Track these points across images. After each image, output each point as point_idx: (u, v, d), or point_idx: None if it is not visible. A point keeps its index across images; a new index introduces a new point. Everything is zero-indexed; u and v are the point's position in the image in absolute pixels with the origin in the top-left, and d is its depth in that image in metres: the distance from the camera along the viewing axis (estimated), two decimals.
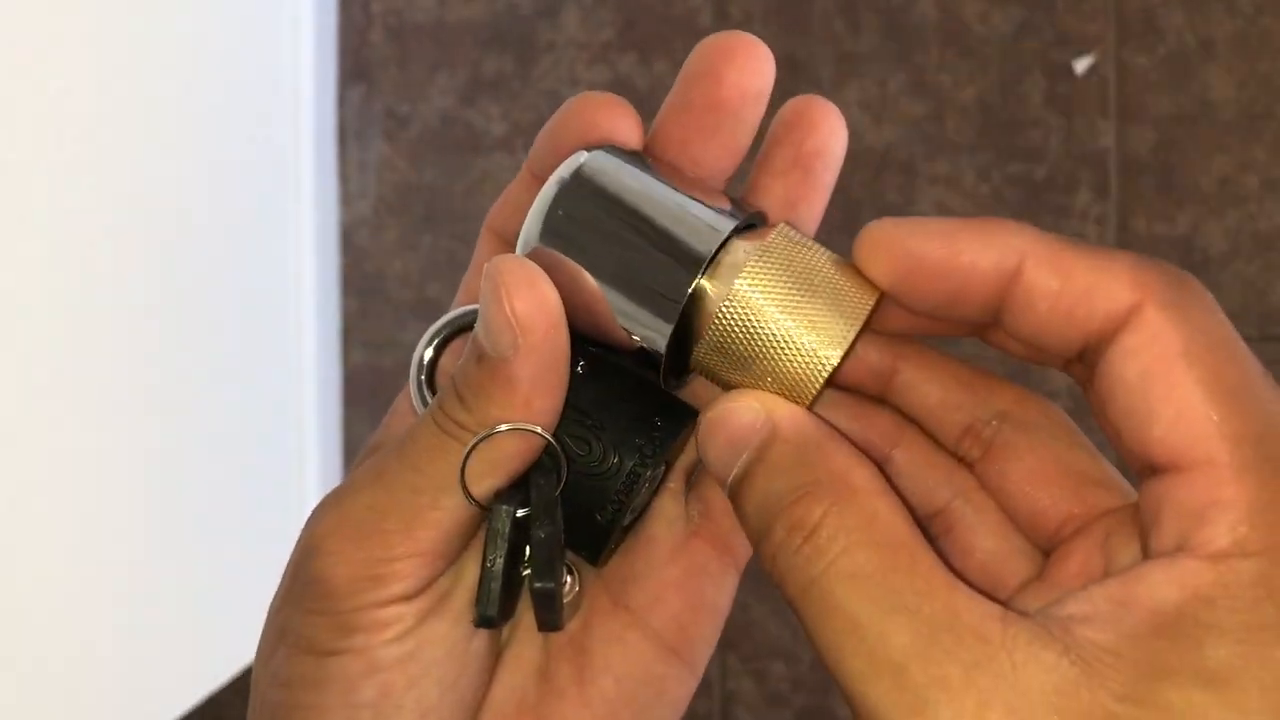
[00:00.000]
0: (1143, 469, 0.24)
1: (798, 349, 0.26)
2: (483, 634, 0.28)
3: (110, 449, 0.73)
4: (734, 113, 0.28)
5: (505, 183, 0.31)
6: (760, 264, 0.26)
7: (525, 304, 0.25)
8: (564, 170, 0.28)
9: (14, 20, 0.64)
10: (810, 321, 0.26)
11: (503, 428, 0.26)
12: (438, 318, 0.31)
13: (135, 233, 0.75)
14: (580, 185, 0.27)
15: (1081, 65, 0.94)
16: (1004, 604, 0.23)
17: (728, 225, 0.27)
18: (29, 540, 0.66)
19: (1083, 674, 0.22)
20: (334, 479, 0.99)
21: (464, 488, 0.27)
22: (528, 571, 0.28)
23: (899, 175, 0.95)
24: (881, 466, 0.27)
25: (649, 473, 0.28)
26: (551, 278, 0.26)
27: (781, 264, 0.26)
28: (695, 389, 0.30)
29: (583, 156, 0.28)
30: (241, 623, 0.94)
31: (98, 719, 0.72)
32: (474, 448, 0.26)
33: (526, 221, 0.28)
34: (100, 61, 0.71)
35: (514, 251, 0.29)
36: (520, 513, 0.27)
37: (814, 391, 0.26)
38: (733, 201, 0.28)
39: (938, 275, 0.25)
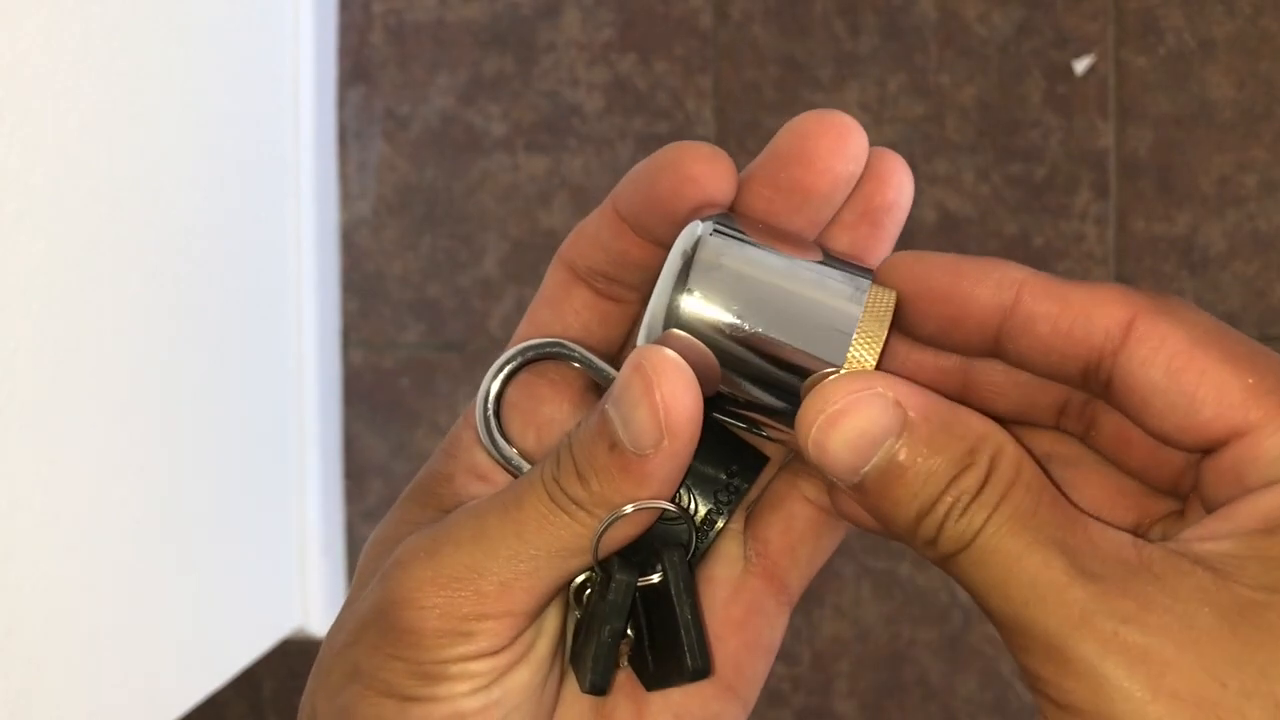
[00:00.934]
0: (1198, 451, 0.26)
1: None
2: (554, 676, 0.29)
3: (110, 449, 0.73)
4: (824, 196, 0.28)
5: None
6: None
7: (677, 407, 0.26)
8: (686, 244, 0.27)
9: (13, 20, 0.64)
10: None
11: (628, 509, 0.27)
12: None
13: (135, 233, 0.75)
14: (709, 264, 0.27)
15: (1081, 65, 0.94)
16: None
17: (857, 309, 0.27)
18: (29, 540, 0.66)
19: (1217, 576, 0.24)
20: (334, 479, 0.99)
21: (596, 562, 0.28)
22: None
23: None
24: None
25: (722, 520, 0.29)
26: (685, 358, 0.26)
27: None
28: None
29: (700, 229, 0.27)
30: (241, 623, 0.94)
31: (98, 719, 0.73)
32: (605, 530, 0.27)
33: (655, 301, 0.27)
34: (100, 61, 0.71)
35: (560, 276, 0.29)
36: (640, 582, 0.28)
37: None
38: (839, 260, 0.28)
39: (941, 301, 0.27)
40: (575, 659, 0.29)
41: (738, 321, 0.27)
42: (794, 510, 0.31)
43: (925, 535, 0.25)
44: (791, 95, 0.96)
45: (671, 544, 0.29)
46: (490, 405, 0.30)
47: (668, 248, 0.29)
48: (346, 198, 1.01)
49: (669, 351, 0.26)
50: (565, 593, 0.29)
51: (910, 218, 0.30)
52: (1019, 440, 0.26)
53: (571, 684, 0.30)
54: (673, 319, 0.27)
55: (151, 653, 0.78)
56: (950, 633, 0.95)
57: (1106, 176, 0.94)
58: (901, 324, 0.28)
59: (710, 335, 0.27)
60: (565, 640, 0.30)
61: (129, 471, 0.75)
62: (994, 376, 0.29)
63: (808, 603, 0.97)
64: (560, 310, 0.30)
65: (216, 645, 0.86)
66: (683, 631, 0.28)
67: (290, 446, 0.96)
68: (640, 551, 0.28)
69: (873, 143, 0.29)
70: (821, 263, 0.27)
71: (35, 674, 0.67)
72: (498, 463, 0.30)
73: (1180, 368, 0.25)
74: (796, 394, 0.27)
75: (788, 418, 0.27)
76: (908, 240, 0.29)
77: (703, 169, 0.28)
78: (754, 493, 0.31)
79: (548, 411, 0.30)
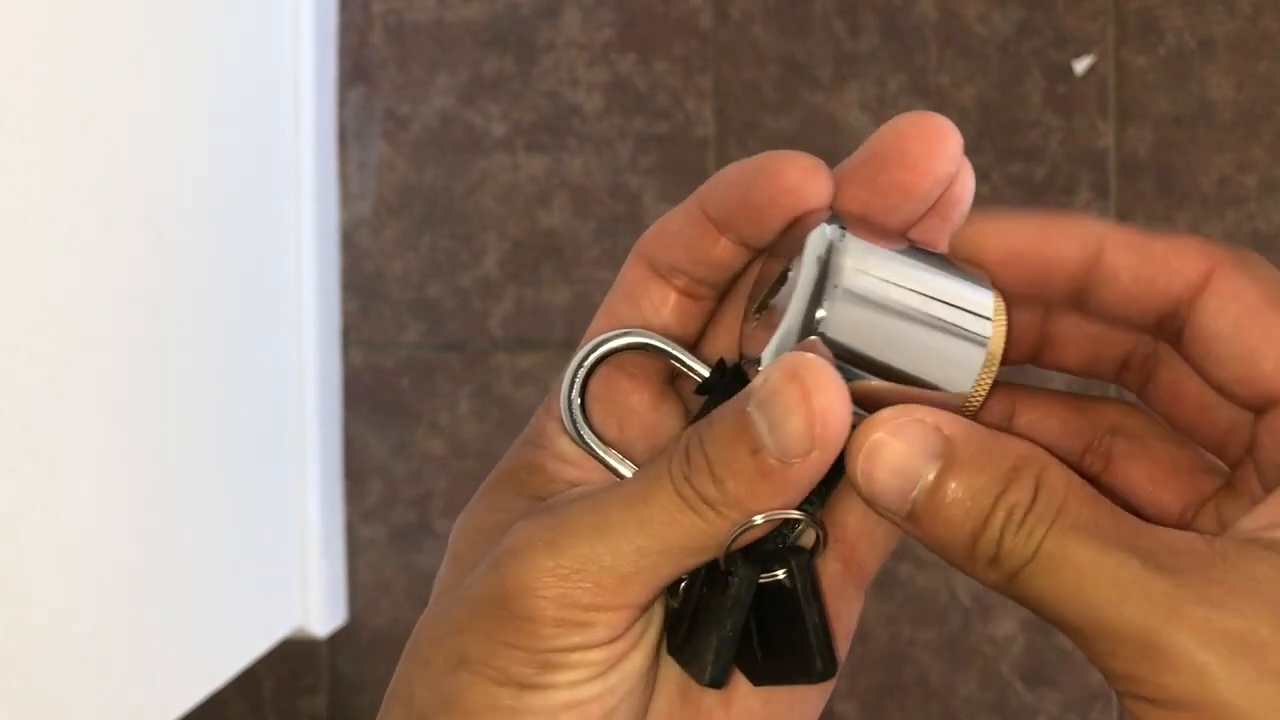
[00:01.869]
0: (1256, 405, 0.27)
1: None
2: (652, 659, 0.29)
3: (110, 449, 0.73)
4: (923, 195, 0.28)
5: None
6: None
7: (832, 420, 0.26)
8: (820, 250, 0.27)
9: (12, 21, 0.64)
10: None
11: (758, 519, 0.27)
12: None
13: (135, 232, 0.75)
14: (849, 273, 0.27)
15: (1081, 65, 0.94)
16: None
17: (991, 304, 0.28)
18: (29, 540, 0.66)
19: None
20: (334, 479, 0.99)
21: (724, 564, 0.28)
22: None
23: None
24: None
25: (809, 516, 0.29)
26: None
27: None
28: None
29: (830, 233, 0.28)
30: (241, 623, 0.94)
31: (98, 719, 0.73)
32: (738, 536, 0.27)
33: (795, 308, 0.27)
34: (100, 62, 0.71)
35: (657, 279, 0.30)
36: (763, 579, 0.28)
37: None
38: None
39: (1028, 262, 0.28)
40: (684, 650, 0.29)
41: (874, 336, 0.27)
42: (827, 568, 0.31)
43: (985, 554, 0.26)
44: (791, 95, 0.96)
45: (794, 547, 0.29)
46: (576, 396, 0.30)
47: (757, 252, 0.29)
48: (346, 198, 1.01)
49: (822, 361, 0.26)
50: None
51: None
52: (1064, 460, 0.27)
53: (663, 669, 0.30)
54: (813, 328, 0.27)
55: (151, 653, 0.78)
56: (950, 633, 0.95)
57: (1106, 176, 0.94)
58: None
59: (846, 346, 0.27)
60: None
61: (129, 471, 0.75)
62: (1066, 329, 0.30)
63: None
64: (638, 305, 0.30)
65: (216, 645, 0.86)
66: (811, 635, 0.28)
67: (290, 446, 0.96)
68: (758, 546, 0.28)
69: None
70: (947, 273, 0.28)
71: (35, 674, 0.67)
72: (587, 452, 0.30)
73: (1248, 321, 0.27)
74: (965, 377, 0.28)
75: None
76: None
77: (803, 178, 0.28)
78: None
79: (629, 403, 0.30)
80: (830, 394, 0.26)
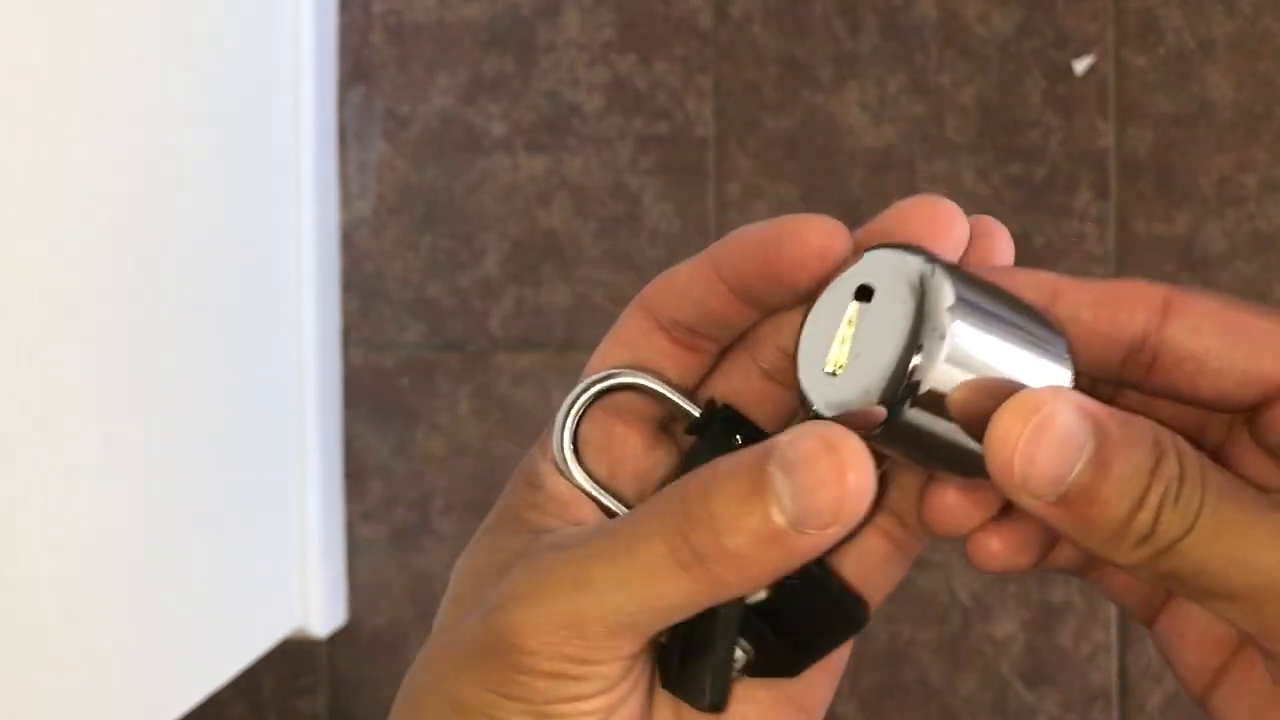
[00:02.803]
0: (1254, 403, 0.28)
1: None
2: (648, 696, 0.29)
3: (109, 449, 0.73)
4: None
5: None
6: None
7: (859, 498, 0.25)
8: (914, 291, 0.26)
9: (11, 21, 0.64)
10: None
11: (762, 594, 0.27)
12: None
13: (134, 232, 0.75)
14: (947, 324, 0.26)
15: (1081, 65, 0.94)
16: None
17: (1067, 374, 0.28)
18: (28, 540, 0.66)
19: None
20: (334, 479, 0.99)
21: (720, 608, 0.27)
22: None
23: (899, 175, 0.95)
24: None
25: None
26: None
27: None
28: None
29: (924, 270, 0.26)
30: (241, 623, 0.94)
31: (98, 719, 0.73)
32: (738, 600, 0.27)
33: (875, 380, 0.26)
34: (100, 62, 0.71)
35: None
36: (751, 600, 0.28)
37: None
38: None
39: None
40: (678, 682, 0.29)
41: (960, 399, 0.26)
42: (869, 543, 0.31)
43: (1140, 531, 0.25)
44: (791, 95, 0.96)
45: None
46: (569, 436, 0.30)
47: (771, 311, 0.29)
48: (346, 198, 1.01)
49: (855, 437, 0.25)
50: None
51: None
52: None
53: (658, 697, 0.30)
54: (916, 389, 0.26)
55: (151, 653, 0.78)
56: (950, 633, 0.95)
57: (1106, 176, 0.94)
58: None
59: (934, 411, 0.26)
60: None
61: (128, 471, 0.75)
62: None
63: None
64: (635, 353, 0.30)
65: (216, 645, 0.86)
66: (715, 668, 0.28)
67: (290, 446, 0.96)
68: None
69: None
70: (1030, 336, 0.27)
71: (35, 674, 0.67)
72: (582, 492, 0.30)
73: (1230, 327, 0.27)
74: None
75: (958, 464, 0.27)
76: None
77: (827, 241, 0.28)
78: None
79: (623, 448, 0.30)
80: (865, 472, 0.25)
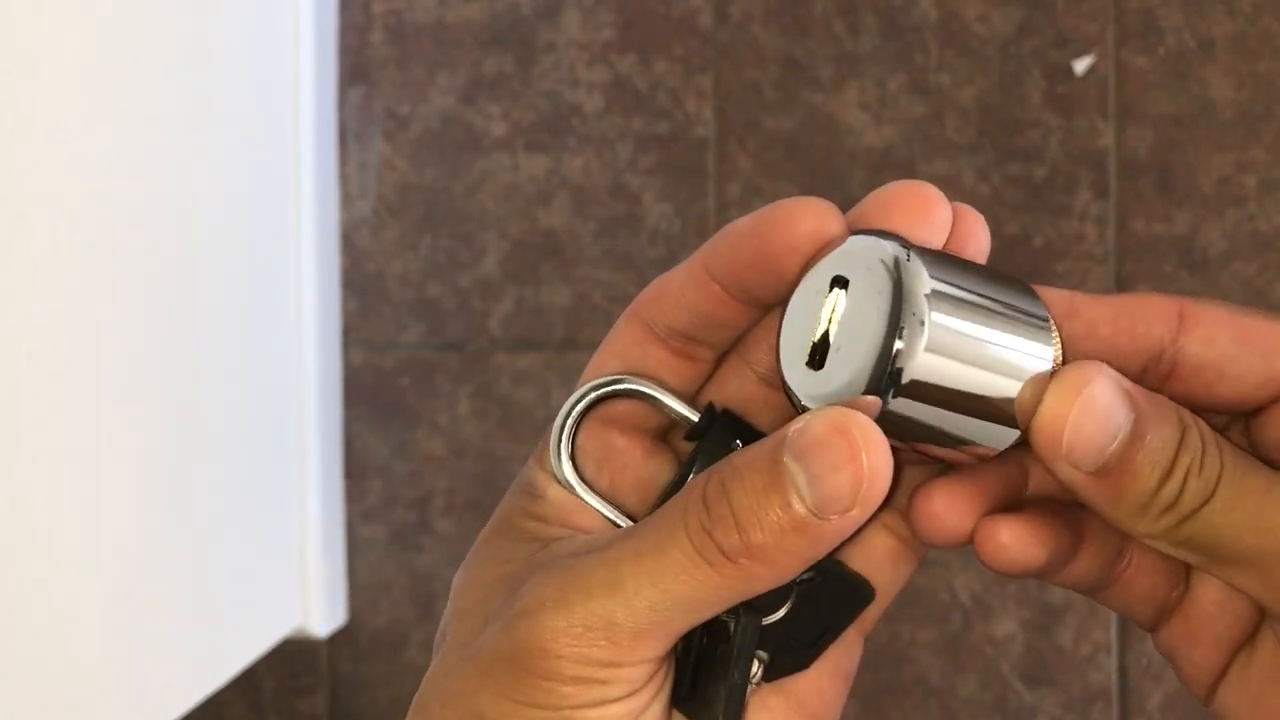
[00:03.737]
0: (1268, 404, 0.29)
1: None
2: (668, 705, 0.29)
3: (109, 449, 0.73)
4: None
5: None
6: None
7: (879, 478, 0.25)
8: (888, 275, 0.26)
9: (11, 21, 0.64)
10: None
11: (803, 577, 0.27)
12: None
13: (134, 232, 0.75)
14: (924, 307, 0.26)
15: (1081, 65, 0.94)
16: None
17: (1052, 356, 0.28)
18: (28, 540, 0.66)
19: None
20: (334, 479, 0.99)
21: (743, 607, 0.27)
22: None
23: (899, 175, 0.95)
24: None
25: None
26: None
27: None
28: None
29: (896, 253, 0.26)
30: (241, 623, 0.94)
31: (98, 719, 0.73)
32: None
33: (859, 371, 0.26)
34: (100, 62, 0.71)
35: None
36: (766, 620, 0.28)
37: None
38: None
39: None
40: (690, 701, 0.29)
41: (947, 386, 0.26)
42: (874, 541, 0.31)
43: (1166, 500, 0.27)
44: (791, 95, 0.96)
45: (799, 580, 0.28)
46: (566, 445, 0.29)
47: (767, 308, 0.28)
48: (346, 198, 1.01)
49: (868, 420, 0.25)
50: None
51: None
52: None
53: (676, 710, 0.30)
54: (899, 377, 0.26)
55: (151, 653, 0.78)
56: (950, 633, 0.95)
57: (1106, 176, 0.94)
58: None
59: (923, 393, 0.26)
60: None
61: (128, 471, 0.75)
62: None
63: None
64: (630, 363, 0.29)
65: (216, 645, 0.86)
66: (730, 692, 0.28)
67: (290, 446, 0.96)
68: None
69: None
70: (1012, 310, 0.27)
71: (35, 674, 0.67)
72: (580, 500, 0.29)
73: (1243, 333, 0.28)
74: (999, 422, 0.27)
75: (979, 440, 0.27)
76: None
77: (819, 222, 0.28)
78: None
79: (621, 458, 0.30)
80: (880, 452, 0.25)
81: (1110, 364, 0.28)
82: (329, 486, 0.98)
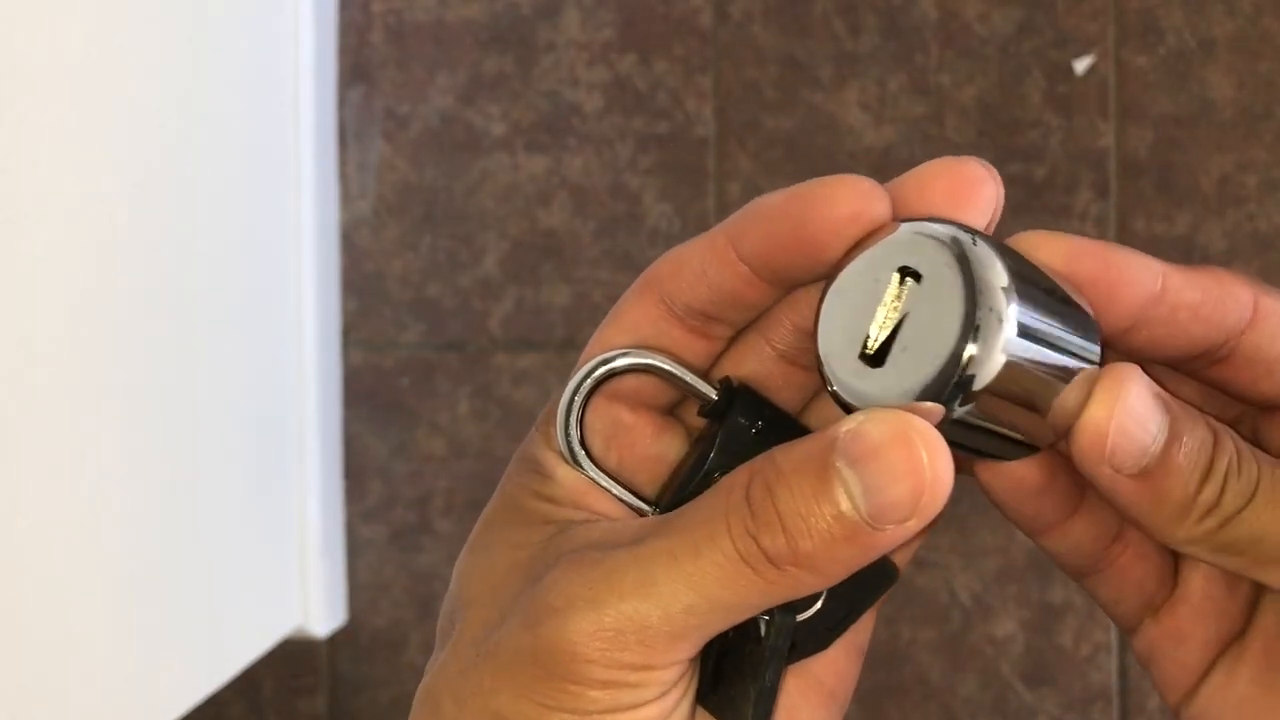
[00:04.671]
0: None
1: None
2: (694, 704, 0.28)
3: (109, 449, 0.73)
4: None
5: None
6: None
7: (940, 489, 0.24)
8: (960, 272, 0.24)
9: (12, 20, 0.64)
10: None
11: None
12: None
13: (134, 232, 0.75)
14: (1006, 307, 0.24)
15: (1081, 65, 0.94)
16: None
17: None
18: (28, 540, 0.66)
19: None
20: (334, 479, 0.99)
21: (774, 611, 0.27)
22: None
23: (899, 175, 0.95)
24: None
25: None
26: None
27: None
28: None
29: (969, 244, 0.25)
30: (241, 623, 0.94)
31: (98, 719, 0.72)
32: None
33: (924, 373, 0.24)
34: (99, 61, 0.71)
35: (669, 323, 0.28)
36: (800, 616, 0.27)
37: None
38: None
39: (1090, 286, 0.27)
40: (712, 698, 0.28)
41: (1012, 391, 0.25)
42: None
43: (1207, 503, 0.26)
44: (791, 95, 0.96)
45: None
46: (575, 423, 0.28)
47: (795, 287, 0.27)
48: (346, 198, 1.01)
49: (930, 427, 0.24)
50: None
51: None
52: None
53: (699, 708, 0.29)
54: (970, 384, 0.24)
55: (151, 653, 0.78)
56: (950, 633, 0.95)
57: (1107, 176, 0.94)
58: None
59: (1002, 395, 0.24)
60: None
61: (127, 471, 0.75)
62: None
63: None
64: (640, 338, 0.28)
65: (216, 645, 0.86)
66: (759, 694, 0.27)
67: (290, 446, 0.96)
68: None
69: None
70: (1066, 316, 0.26)
71: (35, 674, 0.67)
72: (590, 481, 0.28)
73: None
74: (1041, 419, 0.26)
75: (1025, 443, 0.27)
76: None
77: (862, 206, 0.26)
78: None
79: (630, 435, 0.29)
80: (945, 463, 0.24)
81: (1178, 345, 0.28)
82: (329, 486, 0.98)
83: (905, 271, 0.25)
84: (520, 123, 0.99)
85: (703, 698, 0.28)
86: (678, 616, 0.25)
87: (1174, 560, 0.30)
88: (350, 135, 1.01)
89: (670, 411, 0.30)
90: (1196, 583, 0.30)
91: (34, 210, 0.65)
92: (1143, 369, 0.27)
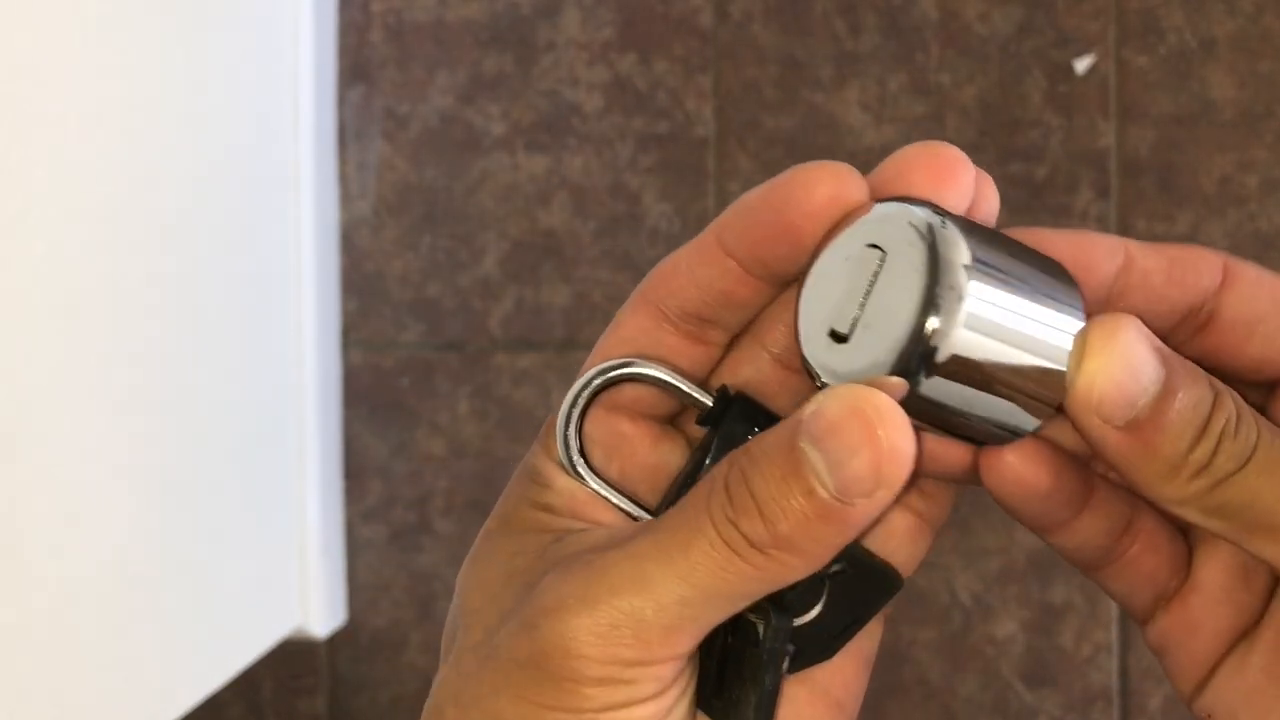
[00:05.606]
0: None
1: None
2: (694, 704, 0.28)
3: (109, 449, 0.73)
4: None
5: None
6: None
7: (900, 457, 0.24)
8: (922, 249, 0.24)
9: (12, 20, 0.64)
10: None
11: (834, 568, 0.26)
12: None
13: (133, 233, 0.75)
14: (963, 281, 0.24)
15: (1082, 65, 0.94)
16: None
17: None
18: (27, 540, 0.66)
19: None
20: (334, 479, 0.99)
21: (774, 609, 0.27)
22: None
23: None
24: None
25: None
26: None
27: None
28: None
29: (928, 220, 0.25)
30: (241, 623, 0.94)
31: (98, 719, 0.72)
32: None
33: (887, 348, 0.24)
34: (99, 61, 0.71)
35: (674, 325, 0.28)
36: (797, 621, 0.27)
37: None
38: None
39: (1074, 265, 0.28)
40: (714, 704, 0.28)
41: (981, 367, 0.25)
42: (892, 519, 0.30)
43: (1198, 462, 0.26)
44: (792, 95, 0.96)
45: (830, 574, 0.27)
46: (574, 433, 0.28)
47: (784, 284, 0.27)
48: (346, 198, 1.01)
49: (888, 399, 0.24)
50: None
51: None
52: None
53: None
54: (932, 357, 0.24)
55: (151, 653, 0.77)
56: (950, 633, 0.95)
57: (1107, 176, 0.94)
58: None
59: (967, 370, 0.24)
60: None
61: (127, 471, 0.75)
62: None
63: None
64: (638, 349, 0.28)
65: (216, 645, 0.86)
66: (760, 699, 0.27)
67: (290, 446, 0.96)
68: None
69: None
70: (1047, 286, 0.26)
71: (36, 674, 0.67)
72: (590, 490, 0.28)
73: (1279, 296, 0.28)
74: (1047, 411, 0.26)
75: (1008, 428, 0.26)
76: None
77: (838, 190, 0.26)
78: None
79: (629, 445, 0.29)
80: (899, 430, 0.24)
81: (1157, 312, 0.28)
82: (329, 486, 0.98)
83: (873, 249, 0.25)
84: (520, 122, 0.99)
85: (705, 704, 0.28)
86: (671, 609, 0.25)
87: (1187, 551, 0.30)
88: (350, 135, 1.00)
89: (670, 421, 0.30)
90: (1209, 573, 0.30)
91: (34, 210, 0.65)
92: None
